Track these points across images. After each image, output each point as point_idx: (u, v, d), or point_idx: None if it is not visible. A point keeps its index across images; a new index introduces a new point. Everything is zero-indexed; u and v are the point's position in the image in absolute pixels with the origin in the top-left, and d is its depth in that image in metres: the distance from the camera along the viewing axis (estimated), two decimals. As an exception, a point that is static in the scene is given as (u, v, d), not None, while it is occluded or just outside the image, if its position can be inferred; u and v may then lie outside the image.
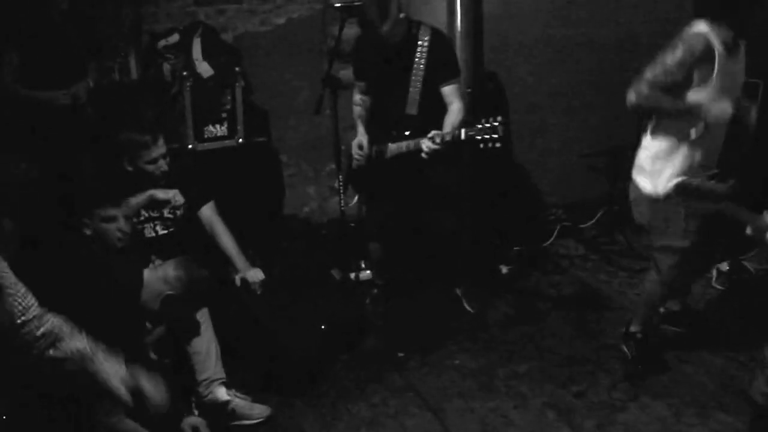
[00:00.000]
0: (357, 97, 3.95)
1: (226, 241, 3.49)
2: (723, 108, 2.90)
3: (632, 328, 3.53)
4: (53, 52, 4.01)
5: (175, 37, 4.49)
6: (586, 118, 5.44)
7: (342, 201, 4.32)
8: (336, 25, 4.18)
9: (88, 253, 2.98)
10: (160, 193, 3.32)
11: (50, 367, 2.22)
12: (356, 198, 4.20)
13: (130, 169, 3.32)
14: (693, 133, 2.98)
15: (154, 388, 2.42)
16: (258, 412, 3.22)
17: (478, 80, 4.52)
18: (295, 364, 3.44)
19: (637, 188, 3.23)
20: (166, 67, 4.46)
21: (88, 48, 4.21)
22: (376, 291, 4.23)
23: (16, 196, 3.66)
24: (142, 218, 3.40)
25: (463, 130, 3.39)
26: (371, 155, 3.85)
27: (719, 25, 2.93)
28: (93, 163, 3.98)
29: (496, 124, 3.28)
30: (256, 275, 3.45)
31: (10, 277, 2.13)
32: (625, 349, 3.54)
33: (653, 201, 3.16)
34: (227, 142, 4.51)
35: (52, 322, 2.18)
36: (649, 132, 3.22)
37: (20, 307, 2.11)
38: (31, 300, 2.15)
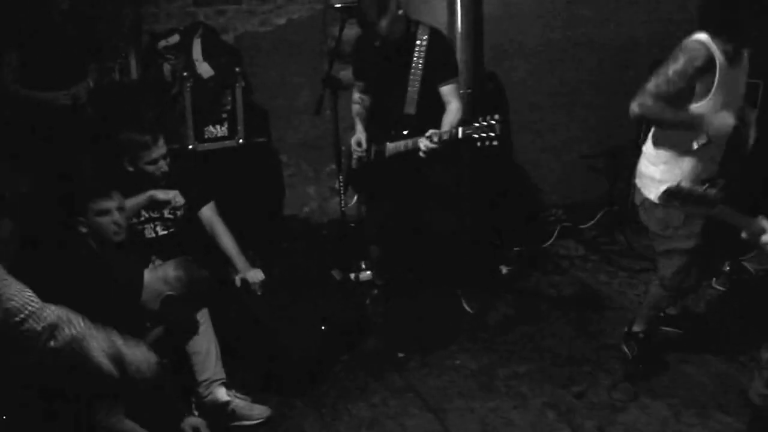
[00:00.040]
0: (356, 95, 3.95)
1: (227, 242, 3.49)
2: (725, 120, 2.89)
3: (635, 328, 3.52)
4: (53, 53, 4.01)
5: (175, 38, 4.49)
6: (586, 118, 5.44)
7: (342, 201, 4.32)
8: (336, 26, 4.18)
9: (88, 252, 2.98)
10: (161, 194, 3.32)
11: (51, 359, 2.22)
12: (356, 198, 4.20)
13: (130, 169, 3.33)
14: (695, 145, 2.98)
15: (135, 353, 2.42)
16: (258, 412, 3.22)
17: (478, 81, 4.52)
18: (295, 365, 3.44)
19: (640, 194, 3.24)
20: (167, 67, 4.46)
21: (89, 48, 4.21)
22: (376, 291, 4.23)
23: (16, 197, 3.67)
24: (143, 219, 3.40)
25: (460, 129, 3.38)
26: (370, 153, 3.85)
27: (720, 36, 2.93)
28: (93, 164, 3.99)
29: (493, 122, 3.26)
30: (256, 275, 3.45)
31: (2, 275, 2.13)
32: (626, 349, 3.54)
33: (654, 207, 3.16)
34: (227, 143, 4.52)
35: (51, 313, 2.18)
36: (650, 139, 3.21)
37: (18, 305, 2.10)
38: (27, 296, 2.14)
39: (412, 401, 3.36)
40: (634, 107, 2.97)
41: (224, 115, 4.50)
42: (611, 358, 3.61)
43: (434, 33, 3.65)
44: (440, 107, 3.63)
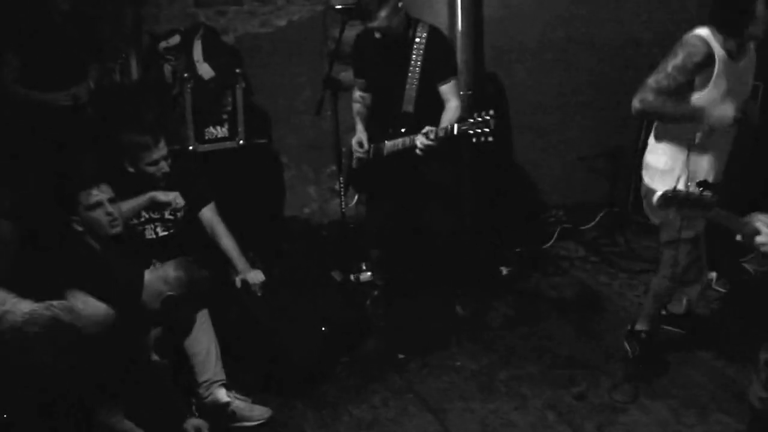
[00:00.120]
0: (357, 94, 3.95)
1: (227, 243, 3.49)
2: (725, 111, 2.92)
3: (638, 327, 3.53)
4: (54, 53, 4.01)
5: (175, 39, 4.49)
6: (586, 119, 5.43)
7: (342, 202, 4.32)
8: (336, 27, 4.19)
9: (89, 252, 2.98)
10: (161, 195, 3.32)
11: (11, 336, 2.25)
12: (356, 198, 4.19)
13: (131, 170, 3.33)
14: (697, 138, 2.99)
15: (85, 303, 2.44)
16: (258, 413, 3.22)
17: (479, 82, 4.53)
18: (296, 366, 3.44)
19: (645, 185, 3.28)
20: (167, 68, 4.47)
21: (89, 49, 4.21)
22: (376, 292, 4.23)
23: (15, 197, 3.67)
24: (143, 219, 3.40)
25: (455, 125, 3.38)
26: (370, 152, 3.86)
27: (721, 31, 2.96)
28: (93, 164, 3.99)
29: (488, 117, 3.26)
30: (256, 276, 3.46)
31: None
32: (627, 347, 3.54)
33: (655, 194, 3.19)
34: (228, 144, 4.52)
35: None
36: (653, 135, 3.24)
37: None
38: None
39: (412, 402, 3.36)
40: (635, 103, 3.01)
41: (225, 116, 4.50)
42: (611, 359, 3.61)
43: (433, 31, 3.65)
44: (439, 105, 3.63)
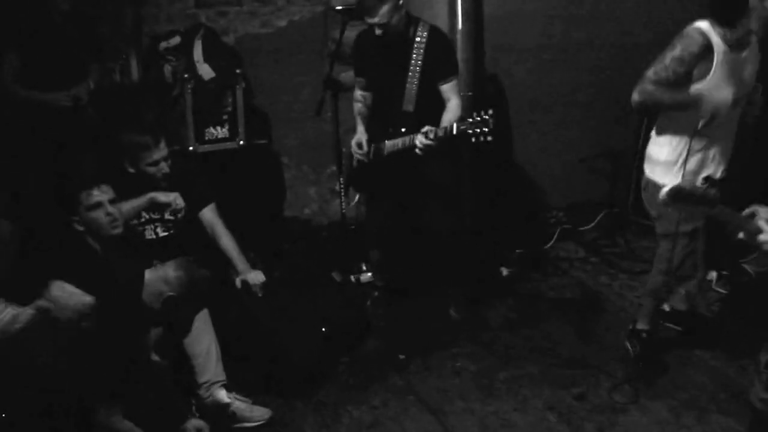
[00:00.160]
0: (358, 93, 3.94)
1: (227, 243, 3.49)
2: (723, 96, 2.94)
3: (638, 326, 3.55)
4: (54, 54, 4.01)
5: (176, 39, 4.50)
6: (586, 119, 5.44)
7: (343, 203, 4.32)
8: (337, 28, 4.19)
9: (89, 253, 2.98)
10: (161, 196, 3.32)
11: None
12: (357, 197, 4.19)
13: (131, 170, 3.32)
14: (700, 123, 3.00)
15: (63, 291, 2.45)
16: (258, 414, 3.21)
17: (479, 82, 4.53)
18: (296, 366, 3.44)
19: (645, 177, 3.31)
20: (167, 69, 4.47)
21: (89, 49, 4.21)
22: (376, 293, 4.23)
23: (16, 197, 3.67)
24: (143, 220, 3.40)
25: (454, 125, 3.38)
26: (370, 153, 3.86)
27: (720, 23, 2.99)
28: (94, 164, 3.99)
29: (486, 117, 3.26)
30: (256, 277, 3.45)
31: None
32: (629, 346, 3.55)
33: (657, 189, 3.19)
34: (228, 144, 4.52)
35: None
36: (655, 128, 3.27)
37: None
38: None
39: (412, 403, 3.36)
40: (634, 95, 3.04)
41: (225, 117, 4.50)
42: (611, 359, 3.61)
43: (433, 30, 3.65)
44: (439, 105, 3.63)
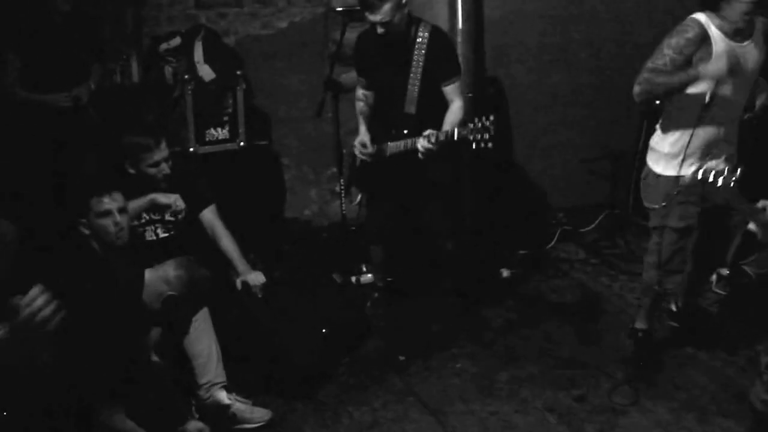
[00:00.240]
0: (360, 92, 3.93)
1: (227, 244, 3.49)
2: (718, 66, 2.96)
3: (637, 325, 3.58)
4: (54, 55, 4.01)
5: (176, 41, 4.50)
6: (586, 119, 5.44)
7: (343, 204, 4.32)
8: (337, 29, 4.19)
9: (90, 253, 2.98)
10: (162, 197, 3.32)
11: None
12: (359, 197, 4.19)
13: (132, 171, 3.33)
14: (707, 97, 3.03)
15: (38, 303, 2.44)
16: (259, 415, 3.21)
17: (479, 84, 4.53)
18: (296, 368, 3.44)
19: (646, 168, 3.35)
20: (168, 70, 4.47)
21: (90, 50, 4.21)
22: (377, 294, 4.23)
23: (15, 198, 3.67)
24: (143, 221, 3.40)
25: (456, 130, 3.39)
26: (374, 153, 3.85)
27: (716, 12, 3.04)
28: (94, 165, 3.99)
29: (488, 123, 3.28)
30: (257, 278, 3.45)
31: None
32: (629, 347, 3.58)
33: (656, 179, 3.28)
34: (229, 146, 4.52)
35: None
36: (660, 124, 3.32)
37: None
38: None
39: (412, 404, 3.36)
40: (635, 87, 3.10)
41: (225, 118, 4.50)
42: (612, 361, 3.62)
43: (435, 31, 3.64)
44: (441, 106, 3.63)
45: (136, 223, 3.37)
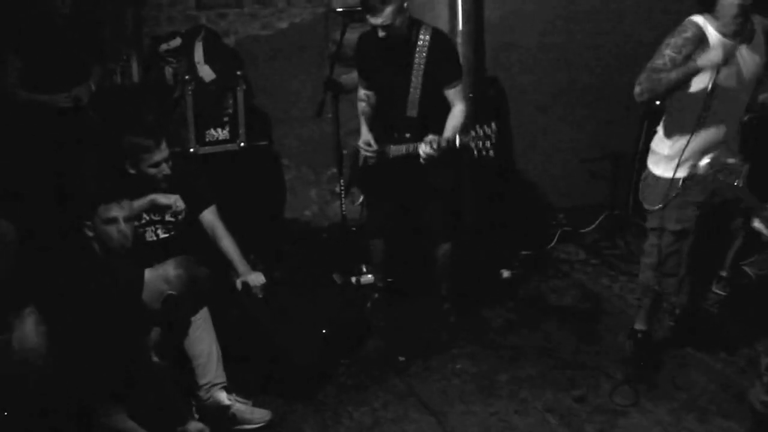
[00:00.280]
0: (362, 92, 3.90)
1: (228, 245, 3.49)
2: (716, 53, 2.96)
3: (636, 326, 3.59)
4: (55, 55, 4.01)
5: (177, 41, 4.50)
6: (587, 119, 5.44)
7: (343, 205, 4.32)
8: (338, 30, 4.19)
9: (90, 253, 2.99)
10: (162, 198, 3.32)
11: None
12: (361, 198, 4.18)
13: (132, 171, 3.33)
14: (709, 86, 3.02)
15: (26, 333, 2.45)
16: (259, 416, 3.21)
17: (480, 85, 4.53)
18: (296, 368, 3.44)
19: (647, 169, 3.37)
20: (168, 70, 4.47)
21: (91, 51, 4.21)
22: (377, 295, 4.23)
23: (16, 198, 3.67)
24: (144, 221, 3.40)
25: (457, 137, 3.40)
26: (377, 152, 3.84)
27: (712, 15, 3.05)
28: (95, 166, 3.99)
29: (490, 132, 3.30)
30: (257, 279, 3.45)
31: None
32: (627, 347, 3.58)
33: (656, 180, 3.29)
34: (229, 146, 4.52)
35: None
36: (661, 128, 3.33)
37: None
38: None
39: (412, 405, 3.36)
40: (636, 88, 3.11)
41: (226, 119, 4.50)
42: (612, 362, 3.62)
43: (436, 34, 3.62)
44: (442, 109, 3.62)
45: (136, 223, 3.37)
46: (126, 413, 2.83)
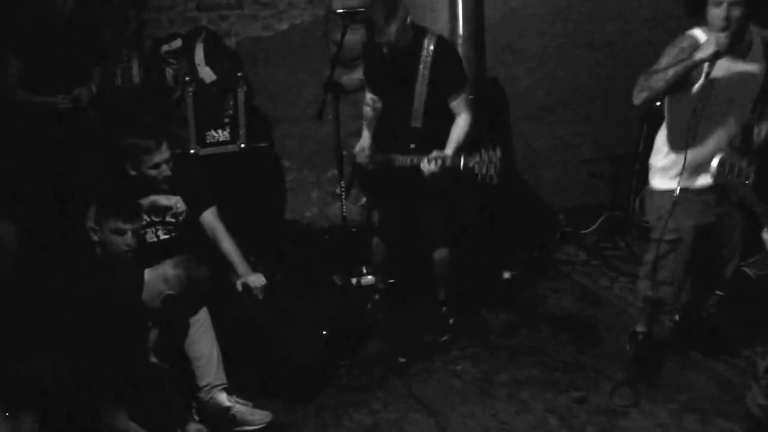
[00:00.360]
0: (368, 96, 3.88)
1: (228, 246, 3.49)
2: (710, 43, 2.94)
3: (638, 328, 3.60)
4: (55, 56, 4.01)
5: (177, 43, 4.50)
6: (587, 120, 5.44)
7: (344, 206, 4.31)
8: (338, 31, 4.19)
9: (90, 253, 2.99)
10: (163, 199, 3.33)
11: None
12: (363, 199, 4.17)
13: (132, 173, 3.33)
14: (702, 77, 3.01)
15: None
16: (259, 418, 3.21)
17: (480, 86, 4.52)
18: (297, 370, 3.44)
19: (648, 186, 3.40)
20: (169, 72, 4.47)
21: (91, 52, 4.22)
22: (377, 296, 4.23)
23: (16, 198, 3.68)
24: (144, 223, 3.40)
25: (462, 160, 3.42)
26: (374, 159, 3.84)
27: (708, 27, 3.03)
28: (95, 166, 4.00)
29: (495, 158, 3.32)
30: (257, 280, 3.46)
31: None
32: (628, 348, 3.59)
33: (653, 194, 3.33)
34: (229, 147, 4.52)
35: None
36: (658, 137, 3.33)
37: None
38: None
39: (413, 406, 3.36)
40: (635, 92, 3.10)
41: (226, 120, 4.50)
42: (612, 362, 3.61)
43: (440, 42, 3.59)
44: (446, 119, 3.61)
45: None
46: (127, 414, 2.83)
